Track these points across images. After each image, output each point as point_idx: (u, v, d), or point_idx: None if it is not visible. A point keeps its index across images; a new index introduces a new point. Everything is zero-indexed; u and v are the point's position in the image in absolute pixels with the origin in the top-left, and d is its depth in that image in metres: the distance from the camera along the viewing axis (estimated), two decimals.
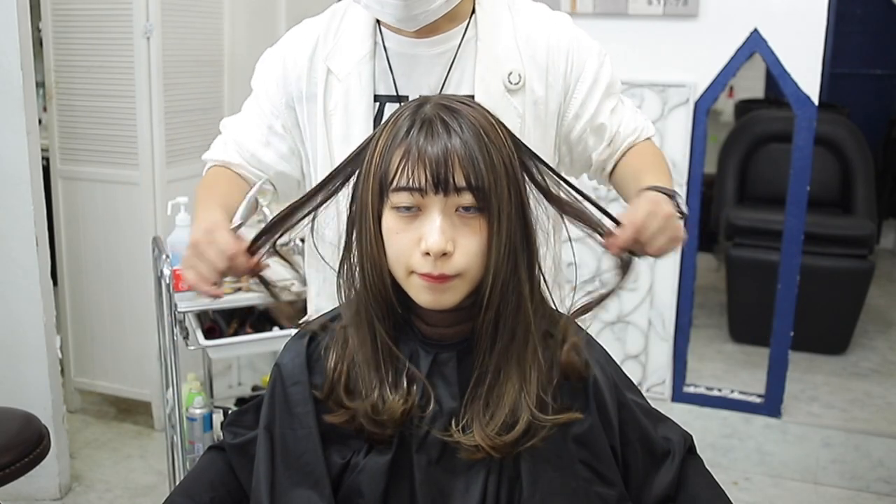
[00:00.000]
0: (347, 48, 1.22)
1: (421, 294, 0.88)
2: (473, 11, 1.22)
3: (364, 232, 0.90)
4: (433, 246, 0.84)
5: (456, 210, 0.86)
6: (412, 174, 0.84)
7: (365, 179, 0.90)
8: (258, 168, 1.30)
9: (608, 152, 1.33)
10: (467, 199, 0.85)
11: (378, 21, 1.21)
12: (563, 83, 1.25)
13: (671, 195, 1.10)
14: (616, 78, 1.31)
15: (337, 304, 1.00)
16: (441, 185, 0.83)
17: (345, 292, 0.96)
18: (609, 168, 1.36)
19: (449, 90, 1.21)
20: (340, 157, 1.13)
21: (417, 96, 1.15)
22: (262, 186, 1.26)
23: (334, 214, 1.06)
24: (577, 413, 0.93)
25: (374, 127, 1.18)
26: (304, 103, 1.25)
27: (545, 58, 1.24)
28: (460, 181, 0.84)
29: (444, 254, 0.85)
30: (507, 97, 1.21)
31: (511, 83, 1.21)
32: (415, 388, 0.93)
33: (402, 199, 0.86)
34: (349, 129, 1.21)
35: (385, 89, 1.21)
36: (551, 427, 0.90)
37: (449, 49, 1.21)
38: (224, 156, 1.34)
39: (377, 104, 1.21)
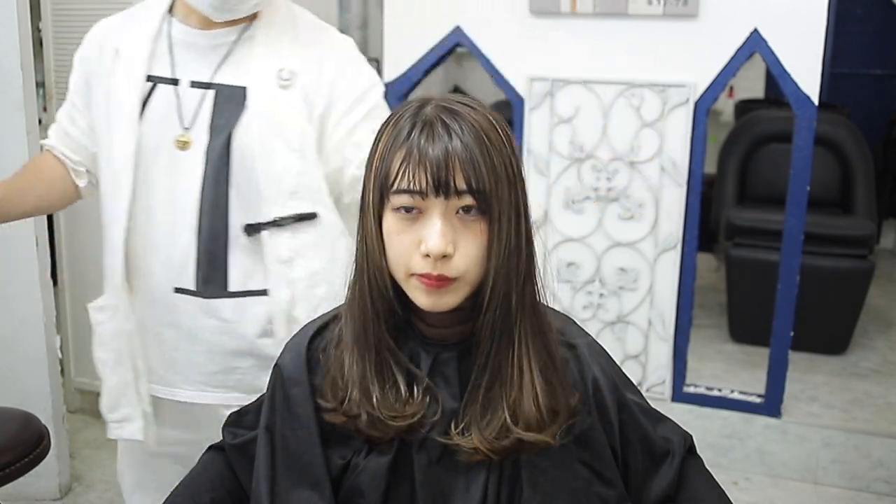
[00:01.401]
0: (135, 31, 1.33)
1: (420, 296, 0.88)
2: (256, 16, 1.33)
3: (365, 233, 0.90)
4: (433, 248, 0.84)
5: (456, 212, 0.86)
6: (413, 176, 0.84)
7: (366, 181, 0.90)
8: (69, 145, 1.41)
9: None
10: (468, 201, 0.85)
11: (171, 10, 1.33)
12: (329, 91, 1.33)
13: None
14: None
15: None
16: (442, 187, 0.83)
17: (349, 294, 0.96)
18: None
19: (223, 79, 1.29)
20: (115, 132, 1.29)
21: (189, 82, 1.29)
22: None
23: None
24: (577, 414, 0.93)
25: (143, 107, 1.29)
26: (93, 83, 1.36)
27: (318, 63, 1.32)
28: (461, 184, 0.84)
29: (445, 256, 0.85)
30: (279, 91, 1.30)
31: (283, 79, 1.29)
32: (420, 393, 0.93)
33: (402, 200, 0.86)
34: (121, 106, 1.30)
35: (160, 71, 1.31)
36: (556, 435, 0.90)
37: (226, 42, 1.31)
38: (45, 141, 1.44)
39: (151, 84, 1.30)
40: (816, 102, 2.43)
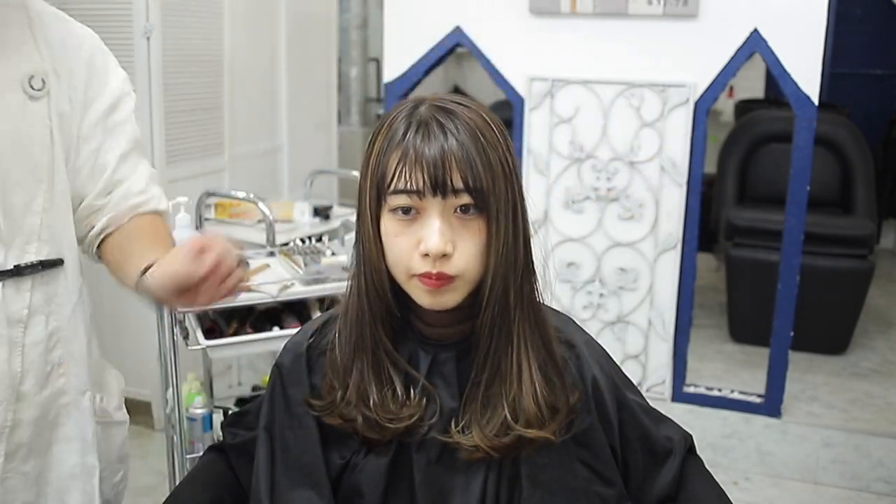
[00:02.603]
0: None
1: (422, 296, 0.88)
2: None
3: (363, 235, 0.90)
4: (433, 248, 0.84)
5: (454, 211, 0.86)
6: (409, 177, 0.84)
7: (363, 183, 0.90)
8: None
9: (104, 202, 1.13)
10: (465, 200, 0.85)
11: None
12: (83, 96, 1.10)
13: None
14: (137, 131, 1.17)
15: None
16: (439, 187, 0.83)
17: (347, 295, 0.96)
18: (98, 229, 1.14)
19: None
20: None
21: None
22: None
23: None
24: (576, 411, 0.93)
25: None
26: None
27: (67, 63, 1.09)
28: (458, 183, 0.84)
29: (444, 255, 0.85)
30: (29, 105, 1.04)
31: (33, 88, 1.04)
32: (417, 395, 0.93)
33: (400, 201, 0.85)
34: None
35: None
36: (556, 431, 0.90)
37: None
38: None
39: None
40: (816, 102, 2.43)
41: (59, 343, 1.10)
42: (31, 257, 1.05)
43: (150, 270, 1.01)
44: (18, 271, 1.04)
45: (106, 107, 1.13)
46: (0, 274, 1.03)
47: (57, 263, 1.08)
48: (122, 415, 1.25)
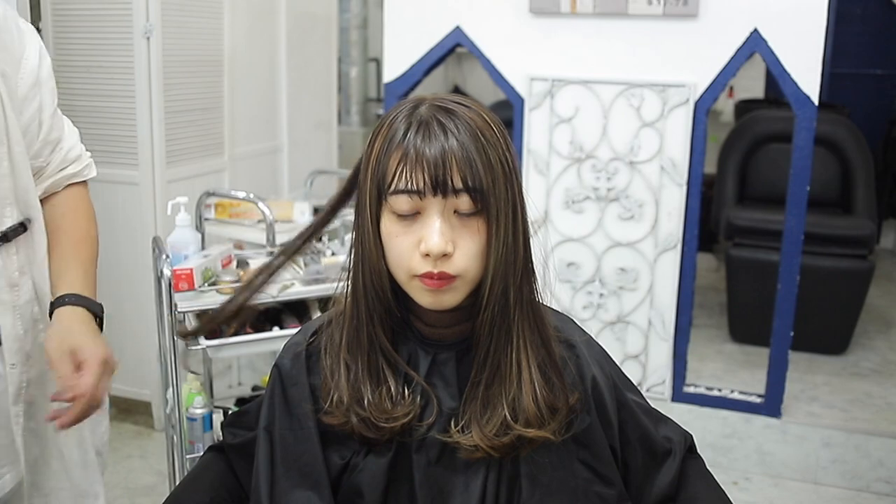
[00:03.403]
0: None
1: (422, 296, 0.88)
2: None
3: (362, 235, 0.90)
4: (433, 248, 0.84)
5: (455, 211, 0.86)
6: (410, 177, 0.84)
7: (362, 183, 0.90)
8: None
9: (43, 163, 1.17)
10: (466, 200, 0.85)
11: None
12: (11, 56, 1.10)
13: (96, 313, 1.09)
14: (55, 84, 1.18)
15: None
16: (439, 186, 0.83)
17: (343, 296, 0.96)
18: (39, 192, 1.16)
19: None
20: None
21: None
22: None
23: None
24: (576, 411, 0.93)
25: None
26: None
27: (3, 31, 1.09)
28: (458, 183, 0.84)
29: (445, 255, 0.85)
30: None
31: None
32: (416, 395, 0.93)
33: (400, 201, 0.85)
34: None
35: None
36: (556, 431, 0.90)
37: None
38: None
39: None
40: (816, 102, 2.43)
41: (38, 300, 1.13)
42: (10, 221, 1.07)
43: (56, 312, 1.08)
44: (6, 236, 1.06)
45: (34, 64, 1.13)
46: None
47: (28, 224, 1.10)
48: None
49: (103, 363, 1.06)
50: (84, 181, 1.23)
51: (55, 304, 1.10)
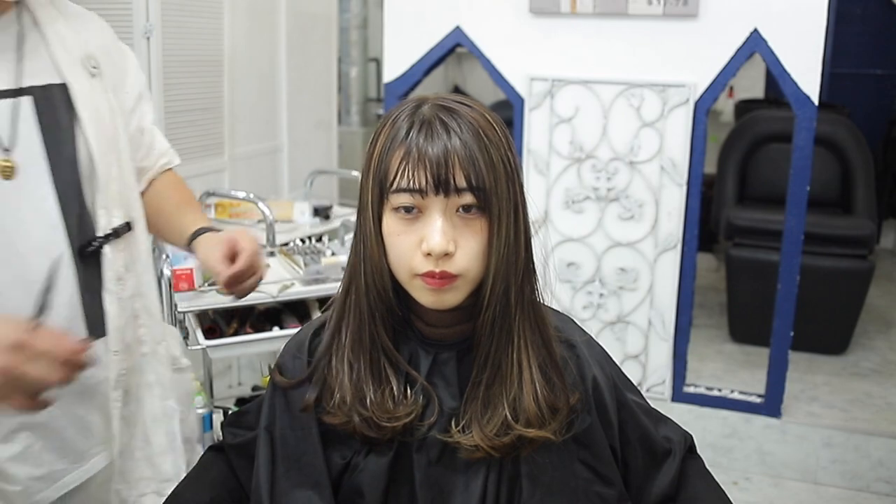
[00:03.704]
0: None
1: (424, 295, 0.88)
2: (17, 2, 1.10)
3: (364, 234, 0.90)
4: (435, 247, 0.84)
5: (456, 210, 0.86)
6: (412, 175, 0.84)
7: (364, 182, 0.90)
8: None
9: (148, 161, 1.32)
10: (468, 199, 0.85)
11: None
12: (118, 74, 1.22)
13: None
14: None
15: None
16: (441, 185, 0.83)
17: (344, 295, 0.96)
18: (143, 185, 1.32)
19: (33, 79, 1.08)
20: None
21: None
22: None
23: None
24: (577, 411, 0.93)
25: None
26: None
27: (101, 45, 1.20)
28: (461, 182, 0.84)
29: (446, 254, 0.85)
30: (92, 81, 1.14)
31: (92, 66, 1.15)
32: (417, 395, 0.93)
33: (402, 200, 0.85)
34: None
35: None
36: (556, 431, 0.90)
37: (9, 36, 1.07)
38: None
39: None
40: (816, 102, 2.43)
41: (139, 296, 1.22)
42: (117, 221, 1.17)
43: (195, 243, 1.23)
44: (116, 233, 1.16)
45: (133, 77, 1.26)
46: (105, 237, 1.14)
47: (133, 224, 1.20)
48: (187, 361, 1.39)
49: (257, 247, 1.22)
50: (171, 168, 1.37)
51: (195, 235, 1.25)
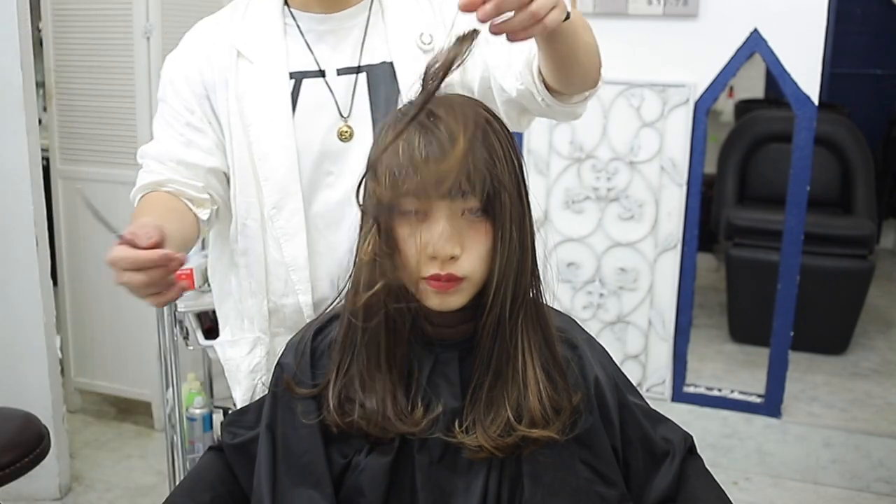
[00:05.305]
0: (256, 31, 1.21)
1: (429, 297, 0.88)
2: None
3: (370, 237, 0.90)
4: (440, 251, 0.84)
5: (462, 214, 0.86)
6: (418, 179, 0.84)
7: (369, 186, 0.90)
8: (188, 174, 1.19)
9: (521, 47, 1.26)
10: (473, 202, 0.85)
11: (287, 3, 1.23)
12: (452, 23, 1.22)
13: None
14: None
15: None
16: (447, 189, 0.83)
17: (348, 295, 0.96)
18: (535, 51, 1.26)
19: (369, 58, 1.21)
20: (257, 138, 1.16)
21: (335, 70, 1.21)
22: (197, 196, 1.19)
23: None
24: (579, 412, 0.93)
25: (293, 104, 1.18)
26: (217, 91, 1.21)
27: (441, 16, 1.25)
28: (466, 185, 0.84)
29: (452, 257, 0.85)
30: (423, 59, 1.14)
31: (424, 43, 1.22)
32: (419, 394, 0.93)
33: (408, 204, 0.85)
34: (266, 109, 1.18)
35: (301, 65, 1.21)
36: (559, 431, 0.90)
37: (360, 20, 1.23)
38: (148, 178, 1.19)
39: (293, 81, 1.20)
40: (816, 102, 2.43)
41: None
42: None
43: None
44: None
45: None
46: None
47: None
48: None
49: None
50: None
51: None
